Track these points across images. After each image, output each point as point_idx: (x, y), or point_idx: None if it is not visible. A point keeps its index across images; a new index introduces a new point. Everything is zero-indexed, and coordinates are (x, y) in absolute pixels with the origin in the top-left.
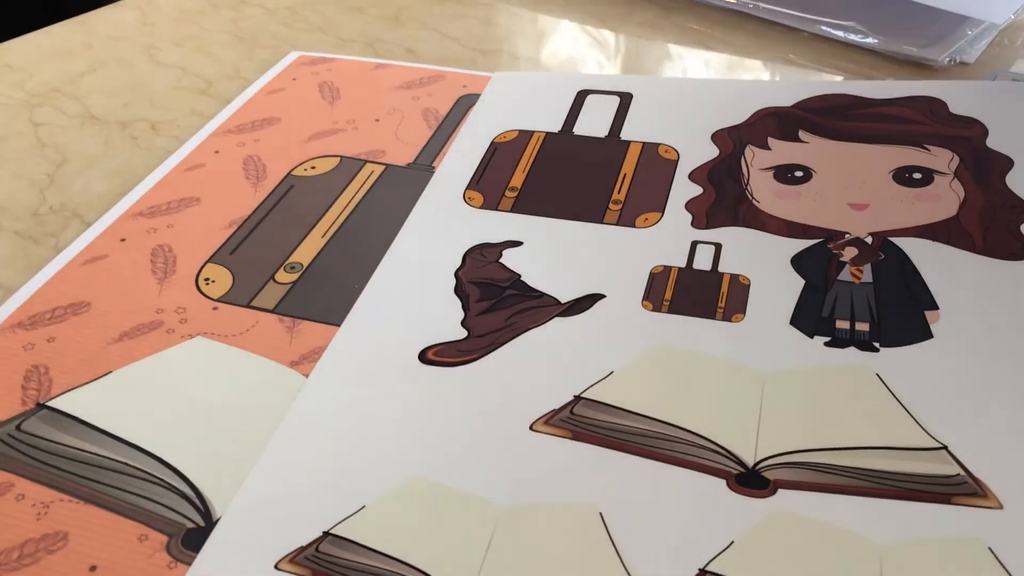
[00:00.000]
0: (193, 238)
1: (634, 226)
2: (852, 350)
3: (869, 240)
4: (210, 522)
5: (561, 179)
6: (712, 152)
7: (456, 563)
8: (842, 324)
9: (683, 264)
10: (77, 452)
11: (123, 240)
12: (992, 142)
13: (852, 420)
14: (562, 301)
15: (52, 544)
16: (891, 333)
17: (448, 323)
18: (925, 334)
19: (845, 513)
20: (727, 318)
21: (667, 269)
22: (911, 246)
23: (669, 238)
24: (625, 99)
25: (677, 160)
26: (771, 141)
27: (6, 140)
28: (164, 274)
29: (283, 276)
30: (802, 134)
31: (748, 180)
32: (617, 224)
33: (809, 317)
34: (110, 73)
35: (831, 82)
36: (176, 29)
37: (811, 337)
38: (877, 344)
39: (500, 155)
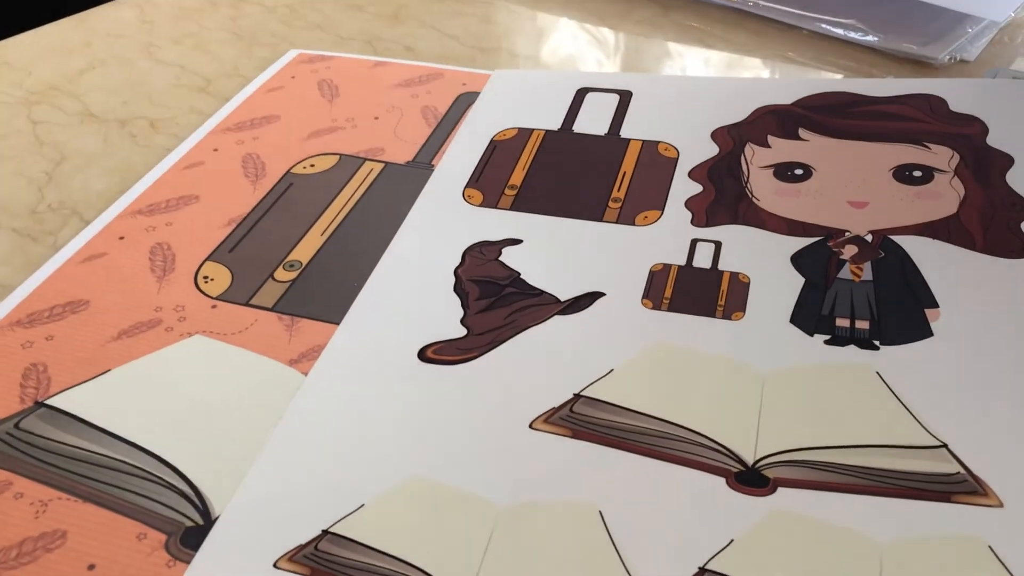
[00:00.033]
0: (192, 236)
1: (634, 224)
2: (852, 348)
3: (869, 238)
4: (209, 520)
5: (561, 177)
6: (712, 150)
7: (455, 561)
8: (842, 322)
9: (683, 262)
10: (75, 450)
11: (122, 238)
12: (992, 140)
13: (852, 418)
14: (562, 299)
15: (50, 542)
16: (891, 331)
17: (447, 321)
18: (925, 332)
19: (845, 511)
20: (727, 316)
21: (667, 267)
22: (911, 244)
23: (669, 236)
24: (625, 97)
25: (677, 158)
26: (771, 139)
27: (5, 138)
28: (163, 272)
29: (282, 274)
30: (802, 132)
31: (748, 178)
32: (617, 222)
33: (809, 315)
34: (109, 71)
35: (831, 80)
36: (175, 27)
37: (811, 335)
38: (877, 342)
39: (499, 153)
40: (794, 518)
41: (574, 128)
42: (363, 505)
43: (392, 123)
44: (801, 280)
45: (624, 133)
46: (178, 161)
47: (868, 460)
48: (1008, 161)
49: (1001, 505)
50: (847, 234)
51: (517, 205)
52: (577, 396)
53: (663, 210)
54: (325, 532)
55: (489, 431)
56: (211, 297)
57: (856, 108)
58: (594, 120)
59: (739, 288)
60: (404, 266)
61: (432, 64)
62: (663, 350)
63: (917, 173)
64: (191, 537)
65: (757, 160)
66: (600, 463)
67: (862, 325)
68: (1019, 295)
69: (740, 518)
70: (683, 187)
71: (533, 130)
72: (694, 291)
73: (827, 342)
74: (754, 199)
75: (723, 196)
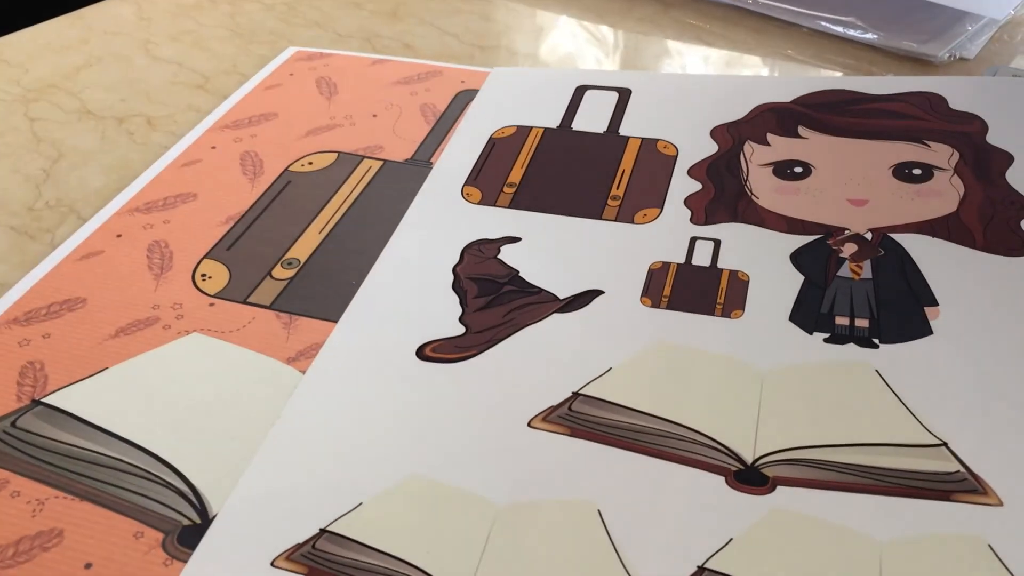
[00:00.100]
0: (189, 234)
1: (633, 222)
2: (852, 346)
3: (869, 236)
4: (206, 519)
5: (559, 175)
6: (711, 148)
7: (454, 560)
8: (841, 320)
9: (682, 260)
10: (72, 449)
11: (119, 236)
12: (992, 138)
13: (851, 417)
14: (560, 297)
15: (47, 541)
16: (891, 329)
17: (446, 319)
18: (925, 330)
19: (844, 510)
20: (726, 314)
21: (666, 265)
22: (911, 242)
23: (668, 234)
24: (624, 95)
25: (676, 156)
26: (770, 137)
27: (2, 135)
28: (160, 270)
29: (280, 272)
30: (801, 130)
31: (747, 176)
32: (616, 220)
33: (808, 313)
34: (106, 68)
35: (830, 78)
36: (173, 24)
37: (810, 333)
38: (877, 340)
39: (498, 151)
40: (793, 517)
41: (573, 126)
42: (361, 504)
43: (391, 121)
44: (800, 278)
45: (623, 131)
46: (176, 159)
47: (868, 459)
48: (1008, 159)
49: (1001, 504)
50: (847, 232)
51: (516, 203)
52: (576, 394)
53: (662, 208)
54: (323, 531)
55: (487, 429)
56: (209, 295)
57: (856, 106)
58: (593, 118)
59: (738, 286)
60: (402, 264)
61: (431, 62)
62: (662, 348)
63: (917, 171)
64: (188, 536)
65: (756, 158)
66: (599, 462)
67: (862, 323)
68: (1019, 293)
69: (739, 517)
70: (682, 185)
71: (532, 128)
72: (693, 289)
73: (826, 340)
74: (753, 197)
75: (722, 194)
